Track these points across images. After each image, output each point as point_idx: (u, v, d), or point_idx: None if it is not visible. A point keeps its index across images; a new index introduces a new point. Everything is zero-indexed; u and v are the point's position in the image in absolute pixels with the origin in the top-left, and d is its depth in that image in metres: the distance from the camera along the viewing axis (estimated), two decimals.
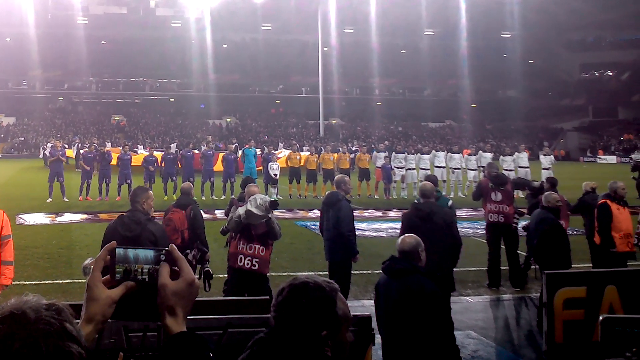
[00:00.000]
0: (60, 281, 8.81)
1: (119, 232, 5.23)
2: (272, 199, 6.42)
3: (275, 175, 19.88)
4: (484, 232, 9.92)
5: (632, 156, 29.51)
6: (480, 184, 9.87)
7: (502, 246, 9.22)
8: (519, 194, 14.05)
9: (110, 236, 5.28)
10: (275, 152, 27.59)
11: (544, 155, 22.02)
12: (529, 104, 63.28)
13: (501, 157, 22.26)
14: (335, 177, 8.21)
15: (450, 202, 8.14)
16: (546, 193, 7.63)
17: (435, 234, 6.02)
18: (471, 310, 7.93)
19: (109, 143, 42.93)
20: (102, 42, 63.14)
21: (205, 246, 7.44)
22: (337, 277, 7.32)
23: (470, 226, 14.34)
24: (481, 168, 20.73)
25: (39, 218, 15.08)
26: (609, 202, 7.83)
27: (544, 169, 20.86)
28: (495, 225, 9.14)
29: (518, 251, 9.28)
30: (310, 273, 2.03)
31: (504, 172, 19.55)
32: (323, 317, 1.89)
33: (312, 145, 33.25)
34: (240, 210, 6.33)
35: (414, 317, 3.89)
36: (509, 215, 9.06)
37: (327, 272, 7.58)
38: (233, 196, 14.46)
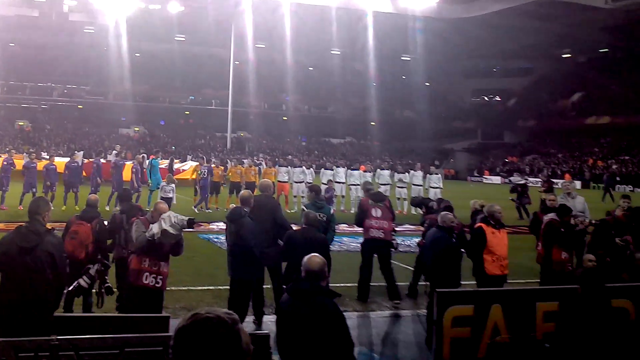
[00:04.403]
0: None
1: (15, 244, 4.99)
2: (189, 217, 6.33)
3: (170, 198, 17.41)
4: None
5: (511, 178, 28.97)
6: (360, 202, 10.09)
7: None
8: (418, 211, 14.86)
9: (7, 247, 5.02)
10: (181, 164, 26.98)
11: (431, 174, 22.01)
12: (424, 125, 66.13)
13: (407, 173, 22.34)
14: (241, 193, 8.09)
15: (332, 211, 9.67)
16: (442, 213, 7.85)
17: (264, 221, 7.68)
18: (362, 326, 8.03)
19: (12, 149, 39.90)
20: (11, 44, 59.10)
21: (107, 259, 7.20)
22: (238, 295, 7.29)
23: (355, 241, 14.10)
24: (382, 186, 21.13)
25: None
26: (484, 226, 7.83)
27: (432, 187, 21.07)
28: (373, 241, 9.32)
29: (409, 266, 9.65)
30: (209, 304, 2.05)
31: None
32: (230, 354, 1.78)
33: (218, 158, 32.77)
34: (155, 229, 6.18)
35: (316, 337, 3.93)
36: (388, 231, 9.37)
37: (228, 287, 7.52)
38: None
